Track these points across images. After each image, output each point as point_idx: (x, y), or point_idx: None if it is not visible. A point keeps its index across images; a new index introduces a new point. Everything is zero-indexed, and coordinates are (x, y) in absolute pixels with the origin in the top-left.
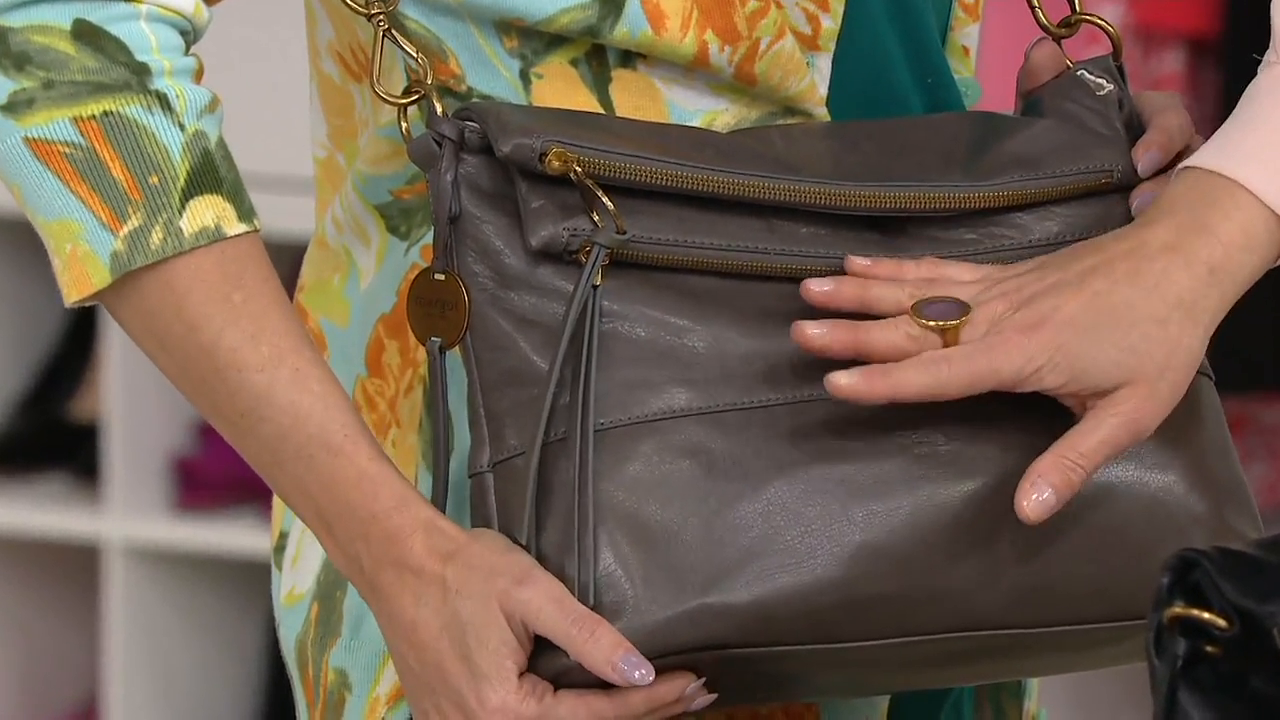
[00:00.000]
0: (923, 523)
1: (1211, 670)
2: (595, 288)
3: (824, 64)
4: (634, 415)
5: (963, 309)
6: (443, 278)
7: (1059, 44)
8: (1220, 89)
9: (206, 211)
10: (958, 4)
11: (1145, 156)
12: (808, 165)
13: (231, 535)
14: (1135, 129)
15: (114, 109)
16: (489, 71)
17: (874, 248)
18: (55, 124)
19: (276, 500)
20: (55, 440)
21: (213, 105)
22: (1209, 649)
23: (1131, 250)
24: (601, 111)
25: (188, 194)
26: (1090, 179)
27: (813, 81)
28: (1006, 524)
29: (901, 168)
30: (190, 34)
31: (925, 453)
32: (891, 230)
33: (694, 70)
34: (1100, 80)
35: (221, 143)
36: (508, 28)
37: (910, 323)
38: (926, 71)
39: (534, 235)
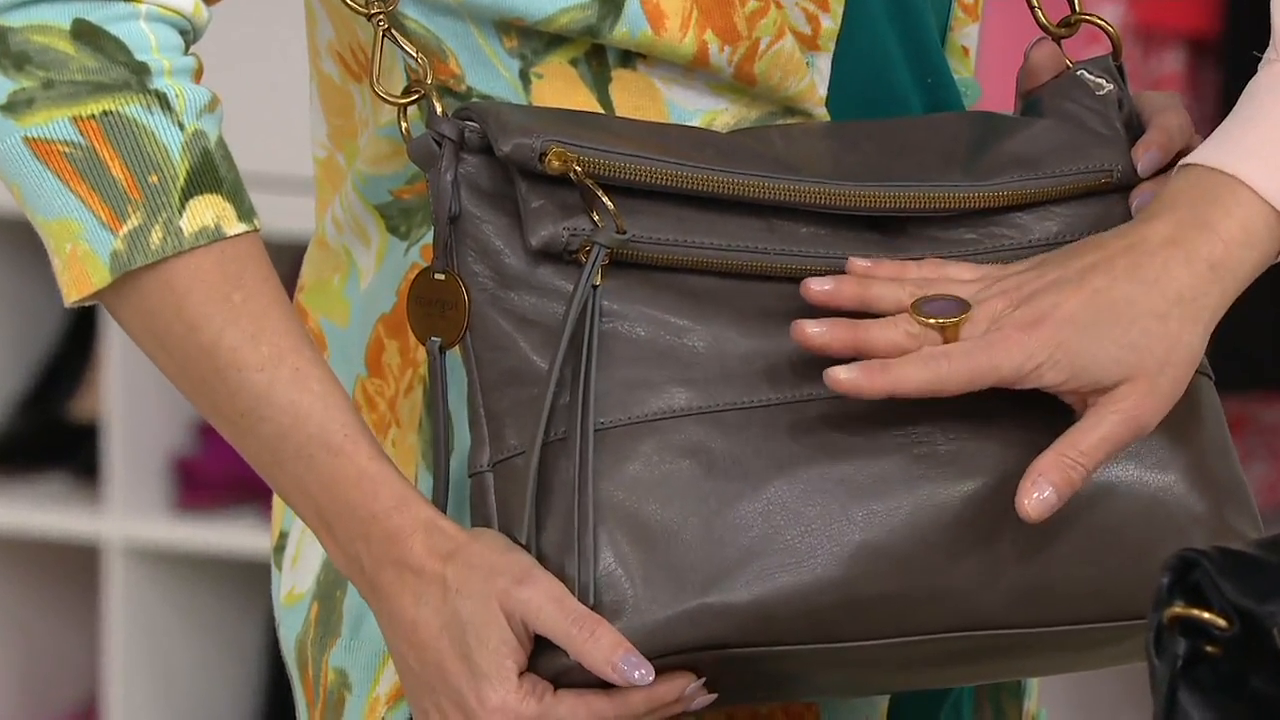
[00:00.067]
0: (922, 522)
1: (1211, 670)
2: (595, 287)
3: (824, 64)
4: (634, 415)
5: (963, 307)
6: (443, 277)
7: (1059, 44)
8: (1220, 89)
9: (206, 211)
10: (957, 4)
11: (1145, 156)
12: (807, 165)
13: (231, 535)
14: (1135, 129)
15: (113, 108)
16: (489, 71)
17: (874, 248)
18: (55, 123)
19: (276, 500)
20: (55, 440)
21: (212, 105)
22: (1209, 649)
23: (1131, 246)
24: (601, 111)
25: (187, 193)
26: (1090, 179)
27: (812, 81)
28: (1006, 523)
29: (901, 168)
30: (190, 34)
31: (925, 452)
32: (891, 230)
33: (694, 70)
34: (1100, 80)
35: (221, 142)
36: (507, 27)
37: (910, 321)
38: (926, 71)
39: (534, 235)
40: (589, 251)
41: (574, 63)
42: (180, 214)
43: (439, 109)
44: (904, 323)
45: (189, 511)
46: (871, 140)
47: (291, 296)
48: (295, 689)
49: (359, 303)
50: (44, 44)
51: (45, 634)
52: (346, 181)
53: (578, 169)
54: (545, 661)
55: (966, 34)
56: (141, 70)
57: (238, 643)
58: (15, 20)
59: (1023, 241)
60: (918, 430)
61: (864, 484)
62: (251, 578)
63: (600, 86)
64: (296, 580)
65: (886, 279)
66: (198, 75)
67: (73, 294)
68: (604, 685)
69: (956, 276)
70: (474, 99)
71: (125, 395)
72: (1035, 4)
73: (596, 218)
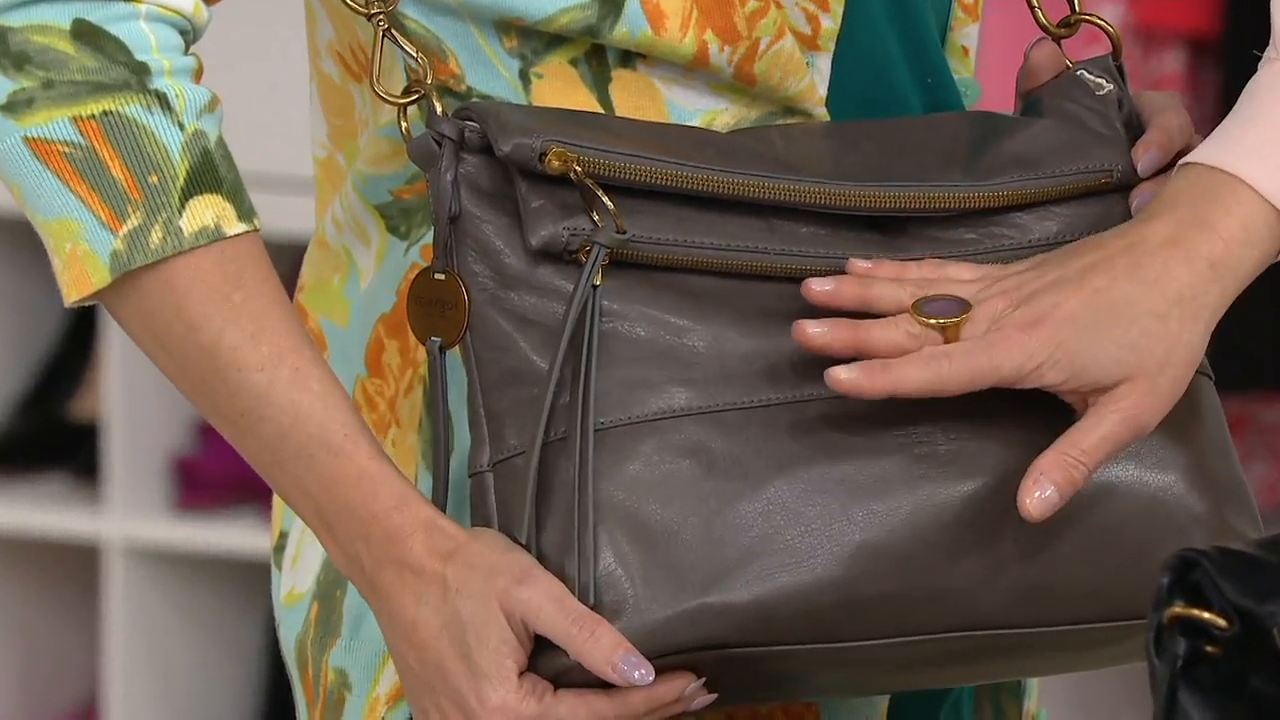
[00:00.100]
0: (923, 522)
1: (1211, 670)
2: (595, 287)
3: (824, 64)
4: (634, 415)
5: (963, 306)
6: (443, 277)
7: (1058, 44)
8: (1220, 89)
9: (206, 211)
10: (957, 4)
11: (1145, 156)
12: (807, 165)
13: (231, 535)
14: (1135, 129)
15: (113, 108)
16: (488, 71)
17: (874, 248)
18: (55, 123)
19: (276, 500)
20: (55, 440)
21: (212, 105)
22: (1209, 649)
23: (1131, 246)
24: (601, 111)
25: (187, 193)
26: (1090, 179)
27: (812, 81)
28: (1007, 523)
29: (901, 167)
30: (190, 33)
31: (925, 452)
32: (891, 230)
33: (693, 70)
34: (1100, 80)
35: (221, 142)
36: (507, 27)
37: (911, 321)
38: (926, 71)
39: (534, 235)
40: (589, 251)
41: (574, 63)
42: (180, 214)
43: (439, 109)
44: (905, 323)
45: (189, 511)
46: (871, 140)
47: (291, 296)
48: (295, 689)
49: (359, 303)
50: (44, 44)
51: (45, 634)
52: (346, 181)
53: (578, 169)
54: (545, 661)
55: (966, 34)
56: (141, 70)
57: (238, 643)
58: (15, 20)
59: (1023, 241)
60: (918, 430)
61: (864, 484)
62: (251, 578)
63: (600, 86)
64: (296, 580)
65: (887, 279)
66: (198, 75)
67: (73, 294)
68: (604, 685)
69: (957, 276)
70: (474, 99)
71: (125, 395)
72: (1035, 4)
73: (596, 218)
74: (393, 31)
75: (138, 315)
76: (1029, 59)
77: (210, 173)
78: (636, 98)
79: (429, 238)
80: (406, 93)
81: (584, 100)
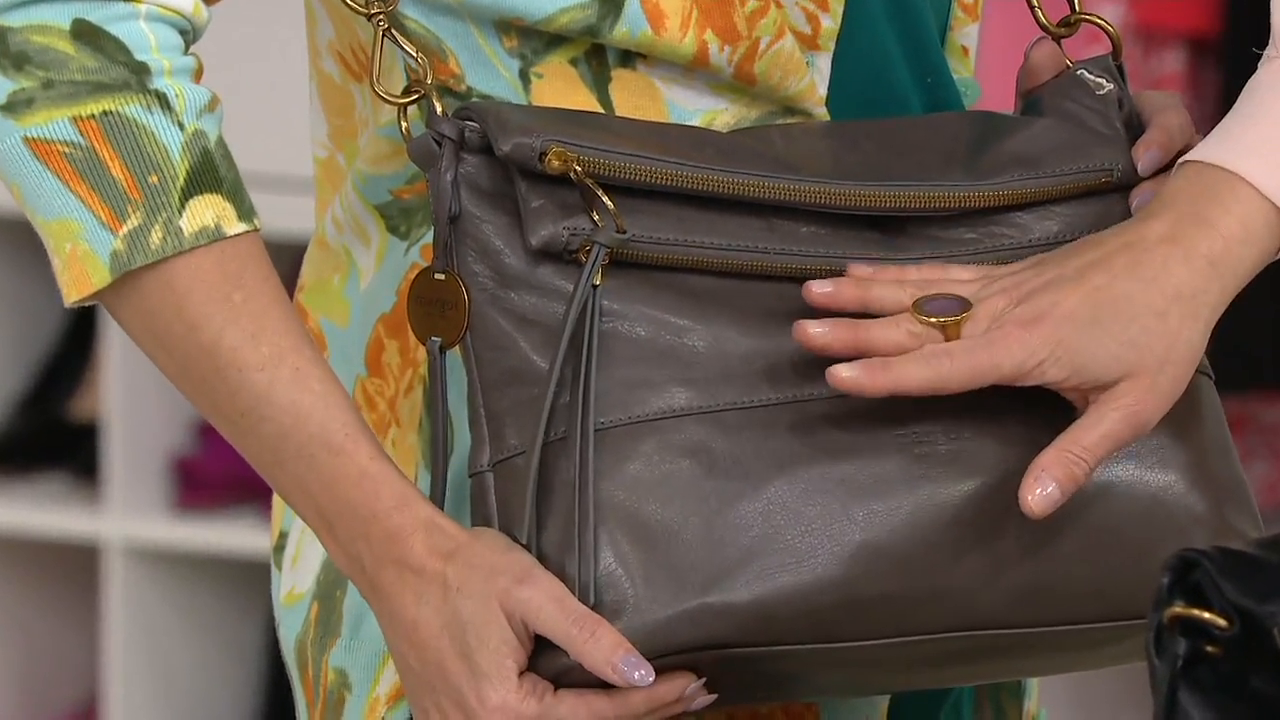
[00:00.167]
0: (923, 522)
1: (1212, 670)
2: (595, 287)
3: (824, 63)
4: (634, 414)
5: (963, 305)
6: (443, 277)
7: (1059, 43)
8: (1221, 89)
9: (206, 211)
10: (957, 4)
11: (1146, 155)
12: (807, 164)
13: (231, 535)
14: (1135, 128)
15: (113, 108)
16: (488, 71)
17: (874, 247)
18: (55, 124)
19: (276, 500)
20: (55, 440)
21: (212, 104)
22: (1209, 649)
23: (1130, 244)
24: (601, 111)
25: (187, 193)
26: (1090, 178)
27: (812, 81)
28: (1007, 523)
29: (901, 167)
30: (189, 33)
31: (925, 452)
32: (891, 230)
33: (693, 70)
34: (1100, 80)
35: (221, 142)
36: (507, 27)
37: (911, 320)
38: (926, 71)
39: (534, 234)
40: (589, 251)
41: (574, 62)
42: (180, 214)
43: (439, 109)
44: (905, 322)
45: (189, 511)
46: (871, 140)
47: (291, 296)
48: (295, 689)
49: (359, 302)
50: (44, 44)
51: (45, 634)
52: (346, 181)
53: (578, 169)
54: (546, 661)
55: (966, 34)
56: (141, 70)
57: (238, 643)
58: (15, 20)
59: (1023, 241)
60: (918, 430)
61: (865, 484)
62: (251, 578)
63: (600, 86)
64: (296, 580)
65: (887, 281)
66: (198, 75)
67: (73, 294)
68: (604, 685)
69: (957, 277)
70: (474, 99)
71: (125, 395)
72: (1035, 4)
73: (596, 217)
74: (393, 31)
75: (138, 315)
76: (1029, 58)
77: (210, 172)
78: (636, 97)
79: (429, 237)
80: (406, 92)
81: (584, 100)
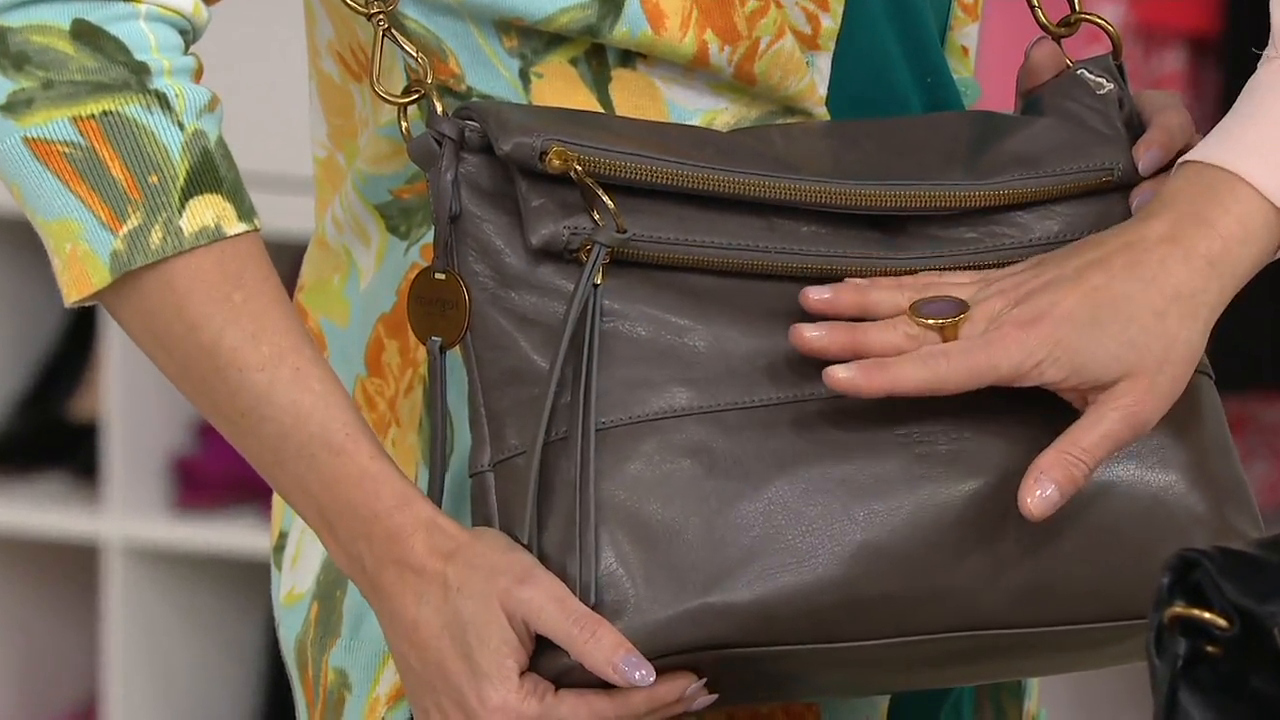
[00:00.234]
0: (924, 522)
1: (1212, 670)
2: (596, 286)
3: (824, 63)
4: (635, 414)
5: (961, 307)
6: (443, 277)
7: (1059, 43)
8: (1221, 88)
9: (206, 211)
10: (957, 3)
11: (1146, 155)
12: (807, 164)
13: (231, 535)
14: (1135, 128)
15: (113, 108)
16: (488, 71)
17: (874, 246)
18: (54, 124)
19: (276, 500)
20: (55, 440)
21: (212, 104)
22: (1209, 649)
23: (1129, 244)
24: (601, 111)
25: (187, 193)
26: (1091, 177)
27: (812, 81)
28: (1008, 523)
29: (902, 166)
30: (189, 33)
31: (926, 452)
32: (892, 229)
33: (693, 70)
34: (1100, 79)
35: (221, 142)
36: (507, 27)
37: (909, 322)
38: (925, 71)
39: (534, 234)
40: (589, 250)
41: (574, 62)
42: (180, 214)
43: (439, 108)
44: (903, 324)
45: (188, 511)
46: (871, 139)
47: (291, 296)
48: (295, 689)
49: (359, 302)
50: (43, 44)
51: (44, 634)
52: (346, 181)
53: (578, 168)
54: (547, 661)
55: (966, 33)
56: (141, 70)
57: (238, 643)
58: (15, 20)
59: (1023, 240)
60: (919, 430)
61: (865, 484)
62: (251, 578)
63: (600, 86)
64: (296, 580)
65: (885, 286)
66: (198, 75)
67: (73, 294)
68: (605, 685)
69: (955, 280)
70: (474, 98)
71: (125, 395)
72: (1035, 3)
73: (597, 217)
74: (393, 31)
75: (138, 315)
76: (1029, 58)
77: (210, 172)
78: (636, 97)
79: (429, 237)
80: (406, 92)
81: (584, 100)
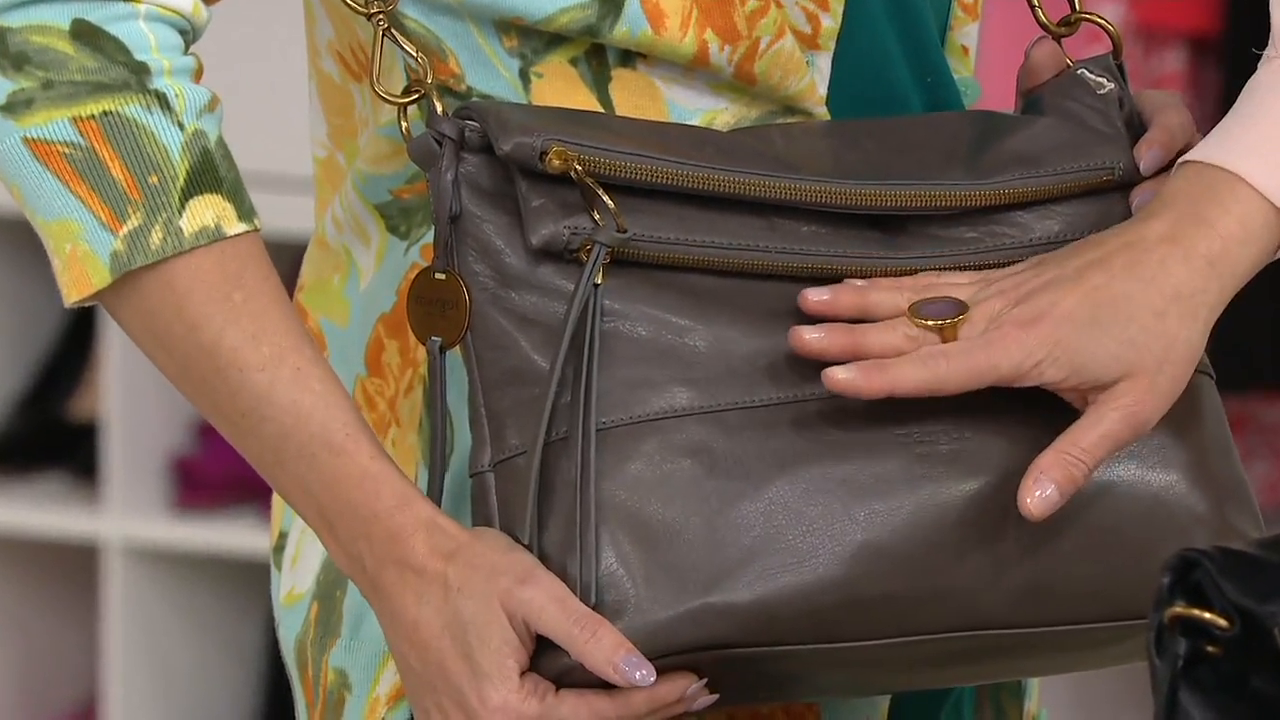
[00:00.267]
0: (925, 522)
1: (1212, 670)
2: (596, 286)
3: (824, 63)
4: (635, 414)
5: (960, 308)
6: (443, 277)
7: (1059, 43)
8: (1221, 88)
9: (206, 211)
10: (956, 3)
11: (1148, 154)
12: (808, 164)
13: (231, 535)
14: (1136, 128)
15: (113, 109)
16: (488, 71)
17: (875, 246)
18: (54, 124)
19: (276, 500)
20: (54, 439)
21: (212, 104)
22: (1210, 649)
23: (1130, 244)
24: (601, 111)
25: (187, 193)
26: (1091, 177)
27: (812, 80)
28: (1008, 523)
29: (902, 166)
30: (189, 33)
31: (926, 451)
32: (892, 229)
33: (694, 70)
34: (1101, 79)
35: (221, 142)
36: (507, 27)
37: (908, 323)
38: (925, 70)
39: (535, 234)
40: (590, 250)
41: (574, 62)
42: (180, 214)
43: (439, 108)
44: (902, 325)
45: (188, 511)
46: (872, 139)
47: (291, 296)
48: (295, 689)
49: (359, 302)
50: (43, 44)
51: (44, 634)
52: (346, 181)
53: (578, 168)
54: (547, 661)
55: (966, 33)
56: (141, 70)
57: (237, 643)
58: (14, 20)
59: (1024, 240)
60: (919, 429)
61: (866, 483)
62: (251, 578)
63: (600, 86)
64: (296, 580)
65: (884, 287)
66: (197, 75)
67: (73, 294)
68: (606, 685)
69: (955, 281)
70: (474, 98)
71: (124, 395)
72: (1035, 3)
73: (597, 216)
74: (392, 31)
75: (138, 316)
76: (1029, 58)
77: (210, 173)
78: (636, 97)
79: (429, 237)
80: (407, 92)
81: (584, 100)
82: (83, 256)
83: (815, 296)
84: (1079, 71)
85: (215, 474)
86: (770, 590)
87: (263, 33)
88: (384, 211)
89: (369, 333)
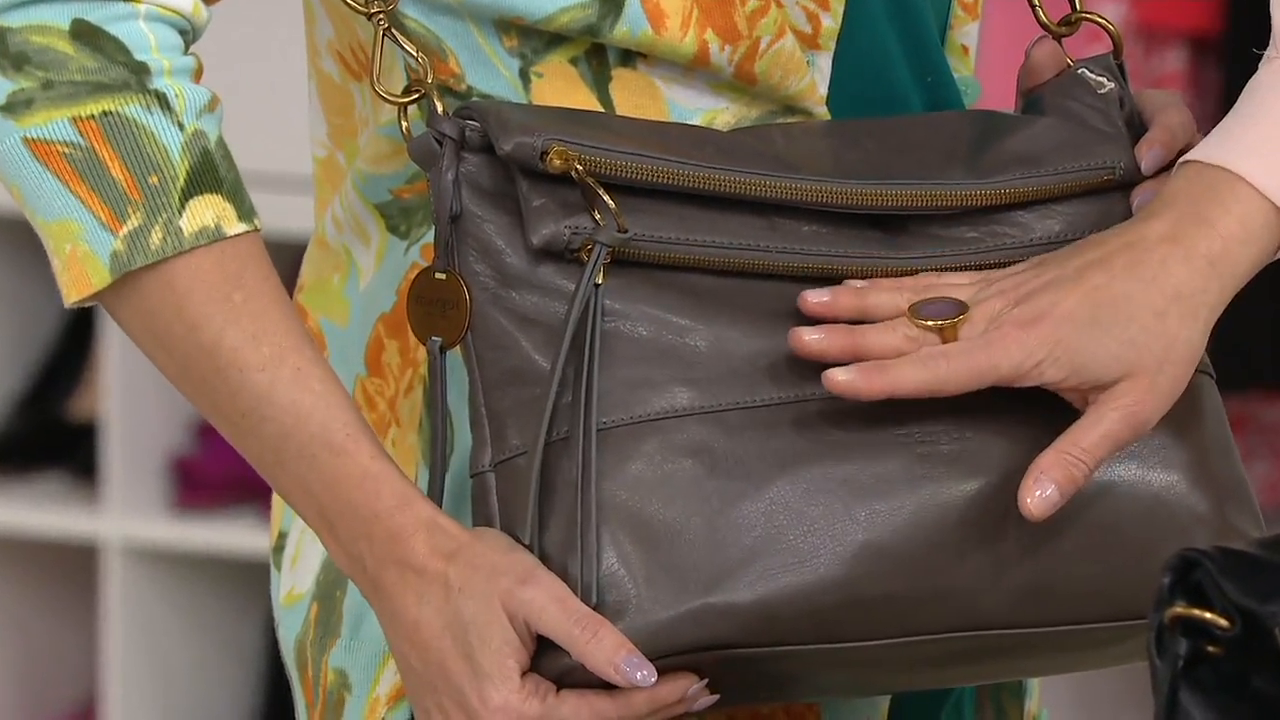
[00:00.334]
0: (926, 522)
1: (1213, 670)
2: (597, 286)
3: (824, 63)
4: (636, 414)
5: (960, 308)
6: (444, 277)
7: (1059, 42)
8: (1222, 88)
9: (206, 211)
10: (956, 2)
11: (1149, 154)
12: (808, 163)
13: (230, 535)
14: (1136, 127)
15: (113, 109)
16: (488, 70)
17: (875, 246)
18: (54, 124)
19: (276, 500)
20: (54, 439)
21: (212, 104)
22: (1210, 649)
23: (1130, 244)
24: (602, 110)
25: (187, 193)
26: (1092, 176)
27: (813, 80)
28: (1009, 523)
29: (902, 165)
30: (189, 33)
31: (927, 451)
32: (893, 228)
33: (694, 69)
34: (1101, 78)
35: (221, 142)
36: (507, 27)
37: (908, 324)
38: (926, 70)
39: (535, 234)
40: (590, 250)
41: (574, 62)
42: (180, 214)
43: (439, 108)
44: (902, 326)
45: (188, 511)
46: (872, 138)
47: (291, 296)
48: (295, 689)
49: (359, 302)
50: (43, 44)
51: (43, 634)
52: (346, 180)
53: (579, 168)
54: (548, 662)
55: (966, 32)
56: (141, 70)
57: (237, 643)
58: (14, 21)
59: (1024, 240)
60: (920, 429)
61: (867, 483)
62: (251, 578)
63: (600, 85)
64: (296, 580)
65: (884, 288)
66: (197, 75)
67: (73, 295)
68: (607, 686)
69: (954, 281)
70: (474, 98)
71: (124, 395)
72: (1036, 2)
73: (598, 216)
74: (393, 31)
75: (138, 316)
76: (1030, 57)
77: (210, 173)
78: (637, 97)
79: (429, 237)
80: (407, 92)
81: (584, 99)
82: (83, 257)
83: (815, 299)
84: (1079, 71)
85: (215, 474)
86: (771, 590)
87: (263, 33)
88: (384, 211)
89: (369, 332)
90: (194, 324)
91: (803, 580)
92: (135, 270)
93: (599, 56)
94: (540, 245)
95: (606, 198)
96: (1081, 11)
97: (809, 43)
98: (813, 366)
